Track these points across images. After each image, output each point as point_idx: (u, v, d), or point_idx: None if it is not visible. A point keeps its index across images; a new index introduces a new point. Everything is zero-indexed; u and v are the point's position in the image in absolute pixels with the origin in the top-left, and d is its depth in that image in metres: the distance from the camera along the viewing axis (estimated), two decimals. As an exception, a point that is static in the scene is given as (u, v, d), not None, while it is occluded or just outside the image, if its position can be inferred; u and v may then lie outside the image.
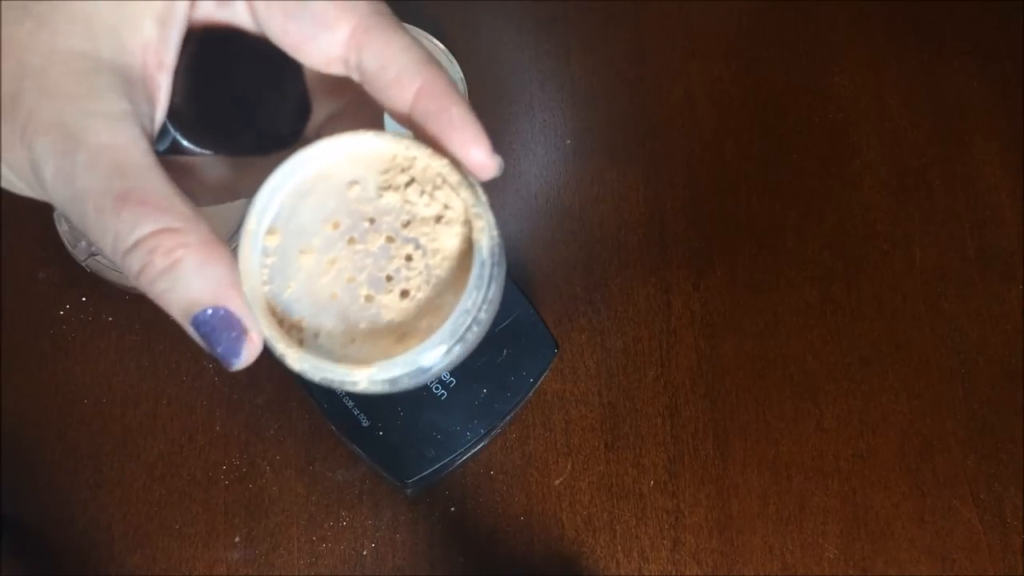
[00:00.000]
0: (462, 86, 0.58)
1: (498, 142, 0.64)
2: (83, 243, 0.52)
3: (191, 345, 0.25)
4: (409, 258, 0.25)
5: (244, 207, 0.25)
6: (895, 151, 0.63)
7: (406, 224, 0.26)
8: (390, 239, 0.26)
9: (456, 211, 0.25)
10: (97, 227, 0.23)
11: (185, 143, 0.27)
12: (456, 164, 0.25)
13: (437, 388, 0.46)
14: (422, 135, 0.25)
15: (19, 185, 0.25)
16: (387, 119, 0.27)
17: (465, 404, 0.46)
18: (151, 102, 0.25)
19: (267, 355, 0.25)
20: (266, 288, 0.25)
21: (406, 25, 0.26)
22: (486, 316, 0.25)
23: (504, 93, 0.63)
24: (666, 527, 0.54)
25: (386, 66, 0.25)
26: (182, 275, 0.23)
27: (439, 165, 0.25)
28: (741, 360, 0.58)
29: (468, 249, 0.25)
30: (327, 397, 0.45)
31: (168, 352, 0.55)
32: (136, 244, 0.23)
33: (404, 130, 0.26)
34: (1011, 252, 0.61)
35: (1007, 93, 0.65)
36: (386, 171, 0.26)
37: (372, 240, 0.26)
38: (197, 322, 0.24)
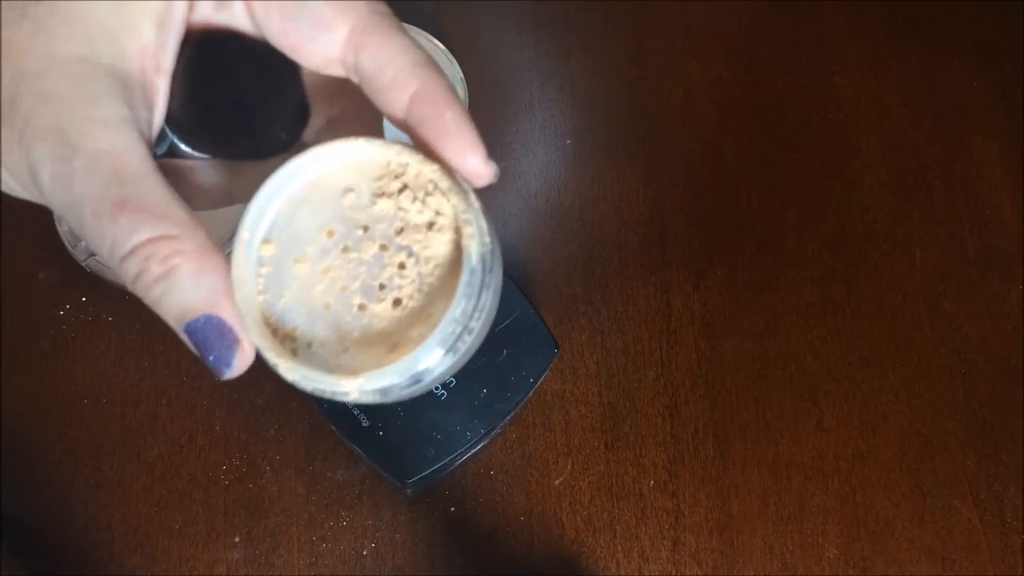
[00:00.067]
0: (462, 86, 0.58)
1: (498, 142, 0.64)
2: (83, 243, 0.52)
3: (190, 346, 0.25)
4: (402, 266, 0.25)
5: (240, 211, 0.25)
6: (895, 151, 0.63)
7: (399, 231, 0.25)
8: (383, 247, 0.25)
9: (447, 217, 0.25)
10: (94, 232, 0.23)
11: (183, 147, 0.27)
12: (448, 169, 0.25)
13: (437, 388, 0.46)
14: (417, 140, 0.25)
15: (17, 189, 0.25)
16: (386, 124, 0.27)
17: (465, 404, 0.46)
18: (149, 106, 0.25)
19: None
20: (261, 298, 0.25)
21: (406, 25, 0.26)
22: (479, 325, 0.25)
23: (504, 93, 0.63)
24: (666, 527, 0.54)
25: (383, 68, 0.25)
26: (177, 282, 0.23)
27: (430, 171, 0.25)
28: (741, 360, 0.58)
29: (460, 256, 0.25)
30: (334, 399, 0.45)
31: (168, 352, 0.55)
32: (133, 250, 0.23)
33: (403, 135, 0.26)
34: (1011, 252, 0.61)
35: (1007, 93, 0.65)
36: (380, 178, 0.26)
37: (366, 248, 0.25)
38: (190, 329, 0.24)
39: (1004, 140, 0.64)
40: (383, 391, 0.25)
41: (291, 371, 0.24)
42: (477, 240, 0.24)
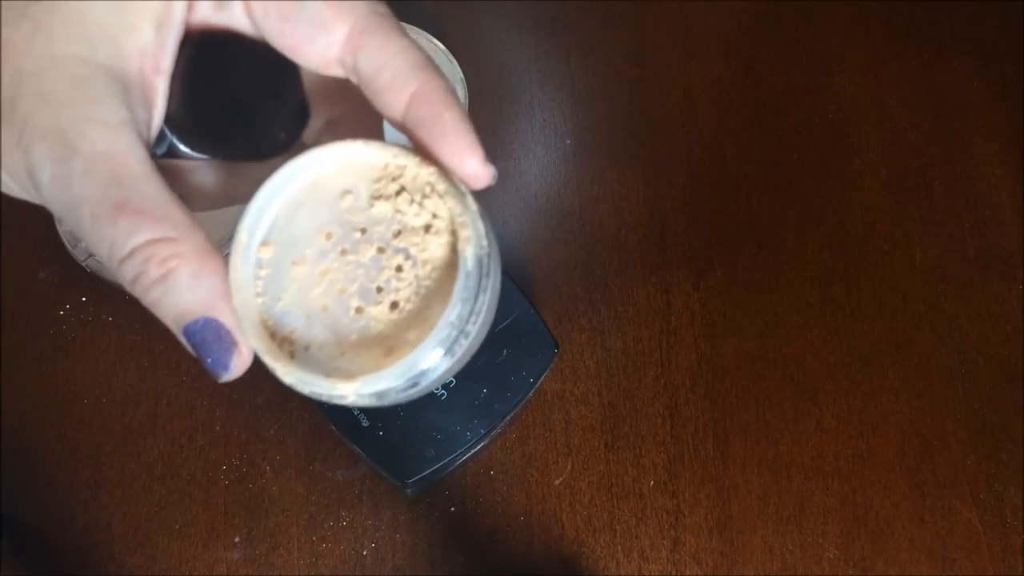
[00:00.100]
0: (462, 86, 0.58)
1: (498, 142, 0.64)
2: (83, 243, 0.52)
3: (190, 347, 0.25)
4: (399, 269, 0.25)
5: (239, 212, 0.25)
6: (895, 151, 0.63)
7: (397, 234, 0.25)
8: (381, 249, 0.25)
9: (444, 220, 0.25)
10: (93, 234, 0.23)
11: (182, 147, 0.27)
12: (445, 172, 0.25)
13: (437, 388, 0.46)
14: (415, 141, 0.25)
15: (16, 190, 0.25)
16: (387, 125, 0.27)
17: (465, 404, 0.46)
18: (148, 107, 0.25)
19: (266, 357, 0.25)
20: (259, 300, 0.25)
21: (406, 26, 0.26)
22: (476, 328, 0.25)
23: (504, 93, 0.63)
24: (666, 527, 0.54)
25: (381, 69, 0.24)
26: (175, 284, 0.23)
27: (427, 173, 0.25)
28: (741, 360, 0.58)
29: (457, 259, 0.25)
30: (331, 403, 0.45)
31: (168, 352, 0.55)
32: (131, 252, 0.23)
33: (403, 137, 0.26)
34: (1011, 252, 0.61)
35: (1007, 93, 0.65)
36: (378, 180, 0.25)
37: (364, 251, 0.25)
38: (188, 332, 0.24)
39: (1004, 140, 0.64)
40: (379, 395, 0.25)
41: (288, 374, 0.24)
42: (473, 243, 0.24)
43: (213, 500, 0.53)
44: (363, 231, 0.25)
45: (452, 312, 0.24)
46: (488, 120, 0.62)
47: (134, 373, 0.55)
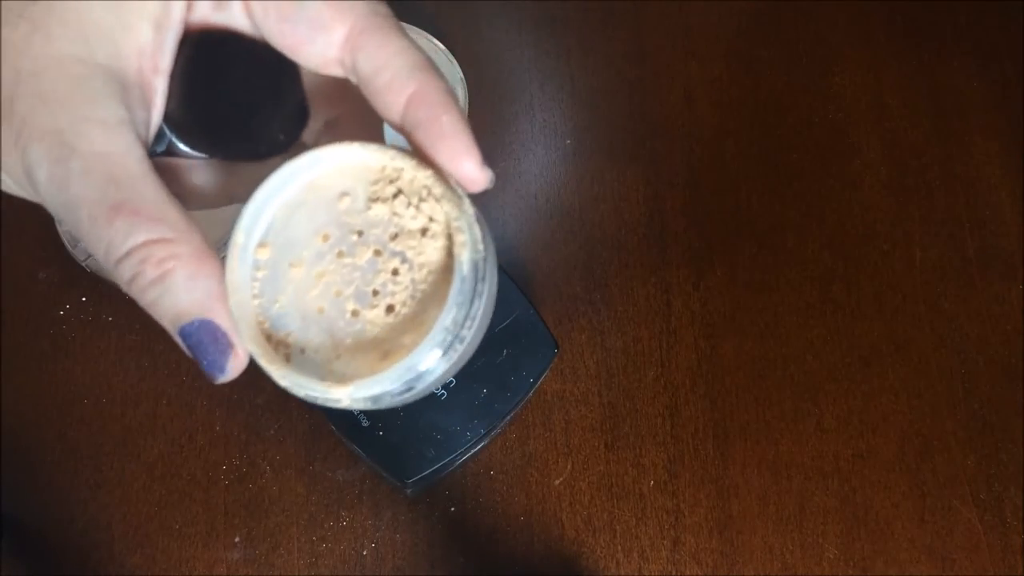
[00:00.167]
0: (462, 87, 0.58)
1: (498, 142, 0.64)
2: (83, 243, 0.52)
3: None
4: (396, 272, 0.25)
5: (237, 212, 0.25)
6: (895, 151, 0.63)
7: (394, 237, 0.25)
8: (378, 252, 0.25)
9: (440, 224, 0.25)
10: (90, 234, 0.23)
11: (181, 146, 0.27)
12: (441, 175, 0.25)
13: (437, 388, 0.45)
14: (413, 143, 0.25)
15: (14, 188, 0.25)
16: (386, 126, 0.27)
17: (465, 404, 0.46)
18: (147, 106, 0.25)
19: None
20: (256, 302, 0.25)
21: (406, 26, 0.26)
22: (471, 333, 0.25)
23: (504, 93, 0.63)
24: (666, 527, 0.54)
25: (380, 70, 0.24)
26: (171, 286, 0.23)
27: (424, 176, 0.25)
28: (741, 360, 0.58)
29: (452, 263, 0.24)
30: (326, 406, 0.45)
31: (168, 352, 0.55)
32: (128, 253, 0.23)
33: (403, 138, 0.26)
34: (1011, 252, 0.61)
35: (1007, 93, 0.65)
36: (375, 182, 0.25)
37: (360, 253, 0.25)
38: (184, 333, 0.24)
39: (1004, 140, 0.64)
40: (374, 399, 0.25)
41: (283, 378, 0.24)
42: (469, 248, 0.24)
43: (213, 500, 0.53)
44: (360, 233, 0.25)
45: (447, 317, 0.24)
46: (488, 120, 0.62)
47: (134, 373, 0.55)
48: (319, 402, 0.25)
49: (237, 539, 0.52)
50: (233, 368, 0.25)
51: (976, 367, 0.59)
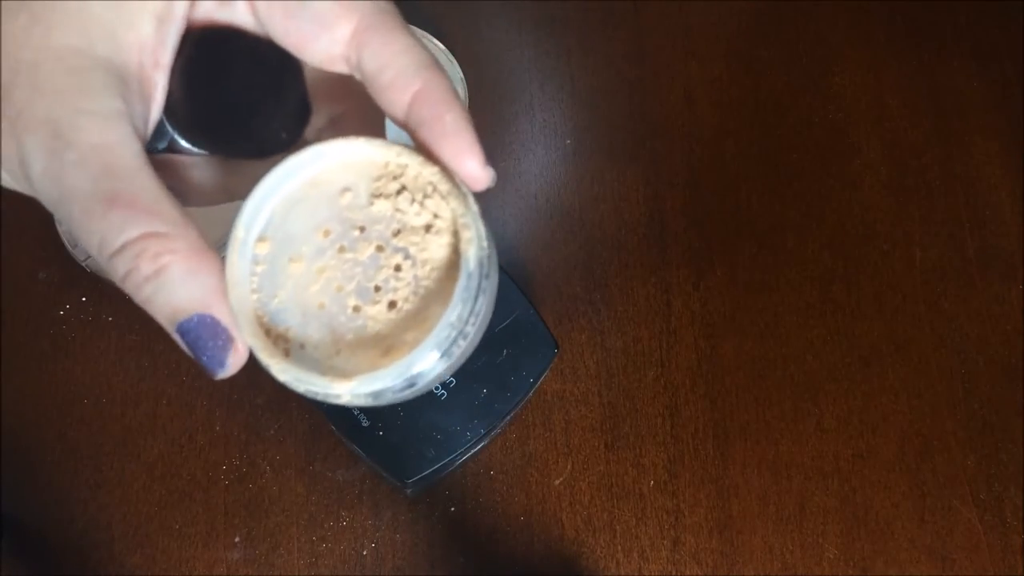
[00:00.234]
0: (462, 86, 0.58)
1: (498, 142, 0.64)
2: (77, 237, 0.52)
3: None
4: (398, 268, 0.25)
5: (236, 210, 0.25)
6: (895, 151, 0.63)
7: (396, 233, 0.25)
8: (380, 248, 0.25)
9: (445, 220, 0.25)
10: (84, 228, 0.23)
11: (183, 143, 0.27)
12: (447, 172, 0.25)
13: (437, 388, 0.46)
14: (417, 141, 0.25)
15: (11, 182, 0.25)
16: (388, 124, 0.27)
17: (465, 404, 0.46)
18: (145, 101, 0.25)
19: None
20: (254, 297, 0.25)
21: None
22: (474, 330, 0.25)
23: (504, 93, 0.63)
24: (666, 527, 0.54)
25: (384, 67, 0.24)
26: (168, 281, 0.23)
27: (429, 173, 0.25)
28: (741, 360, 0.58)
29: (457, 260, 0.24)
30: (326, 401, 0.45)
31: (168, 352, 0.55)
32: (123, 247, 0.23)
33: (406, 136, 0.26)
34: (1011, 252, 0.61)
35: (1007, 93, 0.65)
36: (378, 178, 0.25)
37: (362, 249, 0.25)
38: (182, 330, 0.23)
39: (1004, 140, 0.64)
40: (375, 394, 0.24)
41: (283, 372, 0.24)
42: (475, 244, 0.24)
43: (213, 500, 0.53)
44: (362, 229, 0.25)
45: (452, 313, 0.24)
46: (488, 120, 0.62)
47: (134, 373, 0.55)
48: (319, 397, 0.24)
49: (237, 539, 0.52)
50: (234, 363, 0.24)
51: (976, 367, 0.59)
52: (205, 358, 0.24)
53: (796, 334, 0.59)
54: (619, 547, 0.54)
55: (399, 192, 0.25)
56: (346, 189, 0.25)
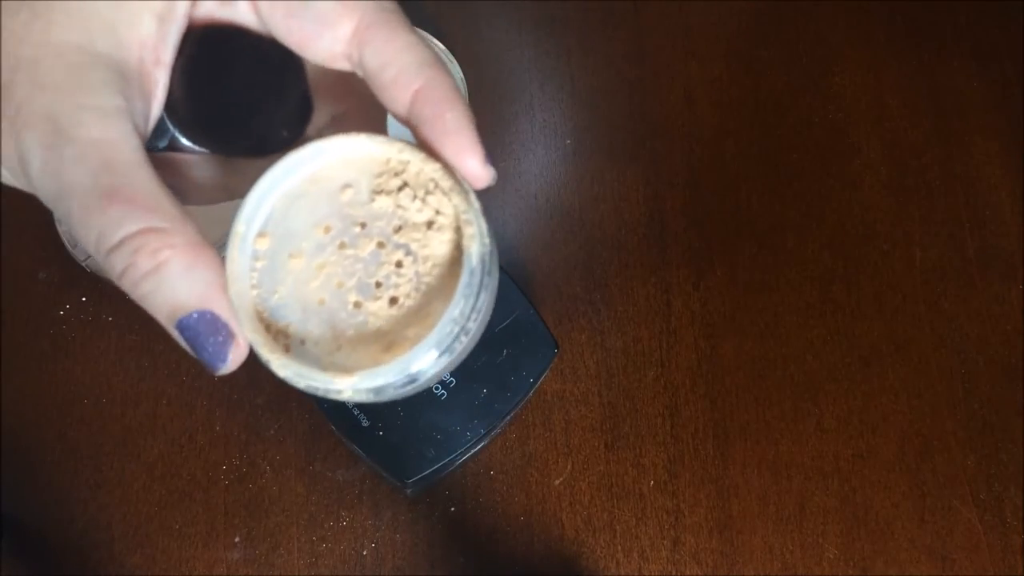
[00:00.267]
0: (462, 86, 0.58)
1: (498, 142, 0.64)
2: (74, 234, 0.52)
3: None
4: (399, 264, 0.25)
5: (236, 208, 0.25)
6: (895, 151, 0.63)
7: (398, 229, 0.25)
8: (381, 244, 0.25)
9: (448, 217, 0.25)
10: (83, 223, 0.23)
11: (184, 141, 0.27)
12: (449, 169, 0.25)
13: (437, 388, 0.46)
14: (419, 138, 0.25)
15: (10, 179, 0.25)
16: (390, 122, 0.27)
17: (465, 404, 0.46)
18: (146, 98, 0.25)
19: (265, 356, 0.25)
20: (254, 292, 0.25)
21: (407, 25, 0.26)
22: (475, 326, 0.25)
23: (504, 93, 0.63)
24: (666, 527, 0.54)
25: (386, 65, 0.24)
26: (167, 277, 0.23)
27: (432, 170, 0.25)
28: (741, 360, 0.58)
29: (459, 256, 0.24)
30: (327, 397, 0.45)
31: (168, 352, 0.55)
32: (121, 243, 0.23)
33: (408, 133, 0.26)
34: (1011, 252, 0.61)
35: (1007, 93, 0.65)
36: (380, 175, 0.25)
37: (363, 245, 0.25)
38: (182, 326, 0.23)
39: (1004, 140, 0.64)
40: (377, 390, 0.24)
41: (284, 368, 0.24)
42: (478, 241, 0.24)
43: (213, 500, 0.53)
44: (363, 225, 0.25)
45: (455, 309, 0.24)
46: (488, 120, 0.62)
47: (134, 373, 0.55)
48: (320, 393, 0.24)
49: (237, 539, 0.52)
50: (235, 358, 0.24)
51: (976, 367, 0.59)
52: (206, 354, 0.24)
53: (796, 334, 0.59)
54: (619, 547, 0.54)
55: (400, 188, 0.25)
56: (347, 185, 0.25)
